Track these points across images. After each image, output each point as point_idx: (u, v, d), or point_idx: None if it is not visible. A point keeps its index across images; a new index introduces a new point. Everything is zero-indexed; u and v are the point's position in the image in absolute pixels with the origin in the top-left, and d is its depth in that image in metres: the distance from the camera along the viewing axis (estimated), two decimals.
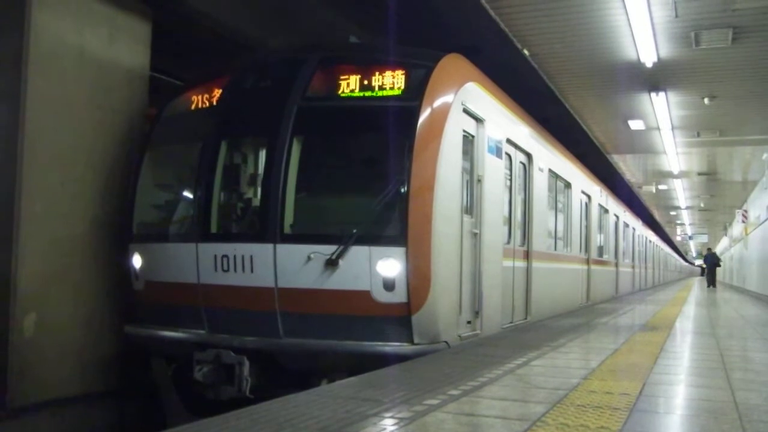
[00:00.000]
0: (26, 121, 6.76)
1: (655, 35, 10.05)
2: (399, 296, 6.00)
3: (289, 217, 6.35)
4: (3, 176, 6.77)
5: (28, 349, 6.73)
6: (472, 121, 7.24)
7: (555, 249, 11.87)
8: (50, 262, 7.03)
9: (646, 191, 28.69)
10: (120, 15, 7.86)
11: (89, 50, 7.48)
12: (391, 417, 3.62)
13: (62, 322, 7.13)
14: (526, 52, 11.11)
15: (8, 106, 6.82)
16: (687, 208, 35.89)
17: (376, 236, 6.13)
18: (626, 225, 21.83)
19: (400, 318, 6.04)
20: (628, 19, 9.51)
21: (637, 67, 11.47)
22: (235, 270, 6.32)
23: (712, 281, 33.14)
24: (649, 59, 10.97)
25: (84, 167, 7.42)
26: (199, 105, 7.21)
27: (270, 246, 6.22)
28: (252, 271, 6.26)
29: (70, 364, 7.20)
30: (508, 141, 8.53)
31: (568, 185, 12.86)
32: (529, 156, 9.64)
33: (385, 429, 3.38)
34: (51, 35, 7.02)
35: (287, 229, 6.32)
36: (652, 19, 9.44)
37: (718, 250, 51.17)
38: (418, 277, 6.01)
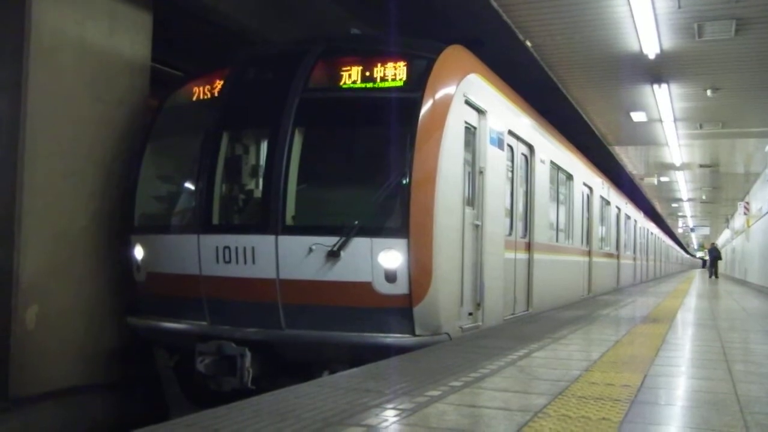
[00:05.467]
0: (27, 114, 6.75)
1: (657, 26, 10.00)
2: (401, 288, 6.00)
3: (290, 209, 6.34)
4: (4, 169, 6.77)
5: (29, 341, 6.74)
6: (473, 113, 7.23)
7: (557, 241, 11.86)
8: (52, 255, 7.03)
9: (648, 183, 28.63)
10: (121, 6, 7.82)
11: (90, 42, 7.45)
12: (393, 408, 3.62)
13: (64, 313, 7.14)
14: (528, 43, 11.06)
15: (9, 99, 6.81)
16: (689, 200, 35.88)
17: (377, 228, 6.14)
18: (628, 217, 21.81)
19: (401, 309, 6.04)
20: (631, 11, 9.46)
21: (639, 58, 11.42)
22: (236, 261, 6.32)
23: (714, 272, 36.35)
24: (651, 51, 10.92)
25: (85, 160, 7.42)
26: (201, 96, 7.20)
27: (272, 237, 6.22)
28: (254, 262, 6.27)
29: (71, 356, 7.21)
30: (510, 132, 8.52)
31: (569, 177, 12.84)
32: (530, 147, 9.62)
33: (386, 420, 3.38)
34: (51, 27, 6.99)
35: (289, 221, 6.32)
36: (654, 10, 9.39)
37: (719, 242, 51.45)
38: (420, 269, 6.02)
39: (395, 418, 3.42)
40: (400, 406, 3.65)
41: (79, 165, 7.35)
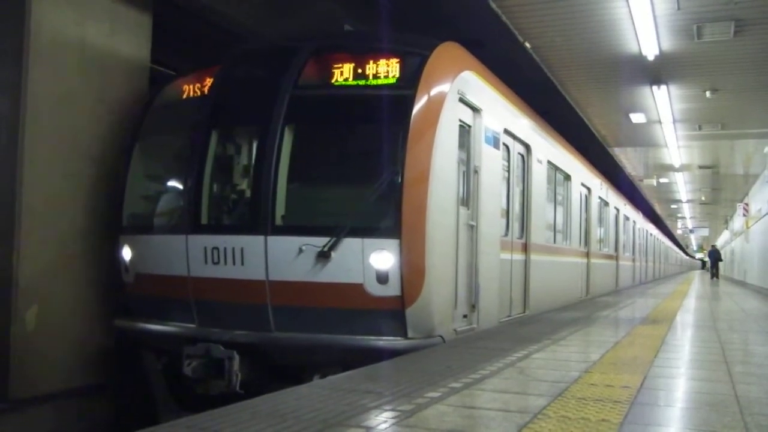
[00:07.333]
0: (27, 114, 6.71)
1: (656, 28, 9.98)
2: (392, 289, 5.87)
3: (280, 209, 6.21)
4: (4, 169, 6.73)
5: (29, 342, 6.70)
6: (468, 111, 7.12)
7: (554, 242, 11.76)
8: (51, 256, 6.98)
9: (647, 184, 28.64)
10: (121, 7, 7.78)
11: (90, 42, 7.41)
12: (392, 410, 3.59)
13: (63, 314, 7.09)
14: (527, 44, 11.02)
15: (9, 99, 6.78)
16: (688, 201, 36.00)
17: (369, 228, 6.00)
18: (626, 218, 21.75)
19: (393, 312, 5.91)
20: (630, 12, 9.44)
21: (638, 60, 11.40)
22: (225, 262, 6.20)
23: (715, 273, 37.12)
24: (650, 52, 10.91)
25: (85, 160, 7.37)
26: (191, 94, 7.08)
27: (261, 238, 6.09)
28: (243, 263, 6.14)
29: (71, 357, 7.16)
30: (506, 132, 8.41)
31: (567, 177, 12.74)
32: (527, 147, 9.51)
33: (386, 421, 3.35)
34: (51, 27, 6.96)
35: (278, 221, 6.19)
36: (654, 11, 9.37)
37: (719, 243, 51.66)
38: (412, 270, 5.89)
39: (394, 420, 3.39)
40: (400, 408, 3.63)
41: (79, 165, 7.30)
